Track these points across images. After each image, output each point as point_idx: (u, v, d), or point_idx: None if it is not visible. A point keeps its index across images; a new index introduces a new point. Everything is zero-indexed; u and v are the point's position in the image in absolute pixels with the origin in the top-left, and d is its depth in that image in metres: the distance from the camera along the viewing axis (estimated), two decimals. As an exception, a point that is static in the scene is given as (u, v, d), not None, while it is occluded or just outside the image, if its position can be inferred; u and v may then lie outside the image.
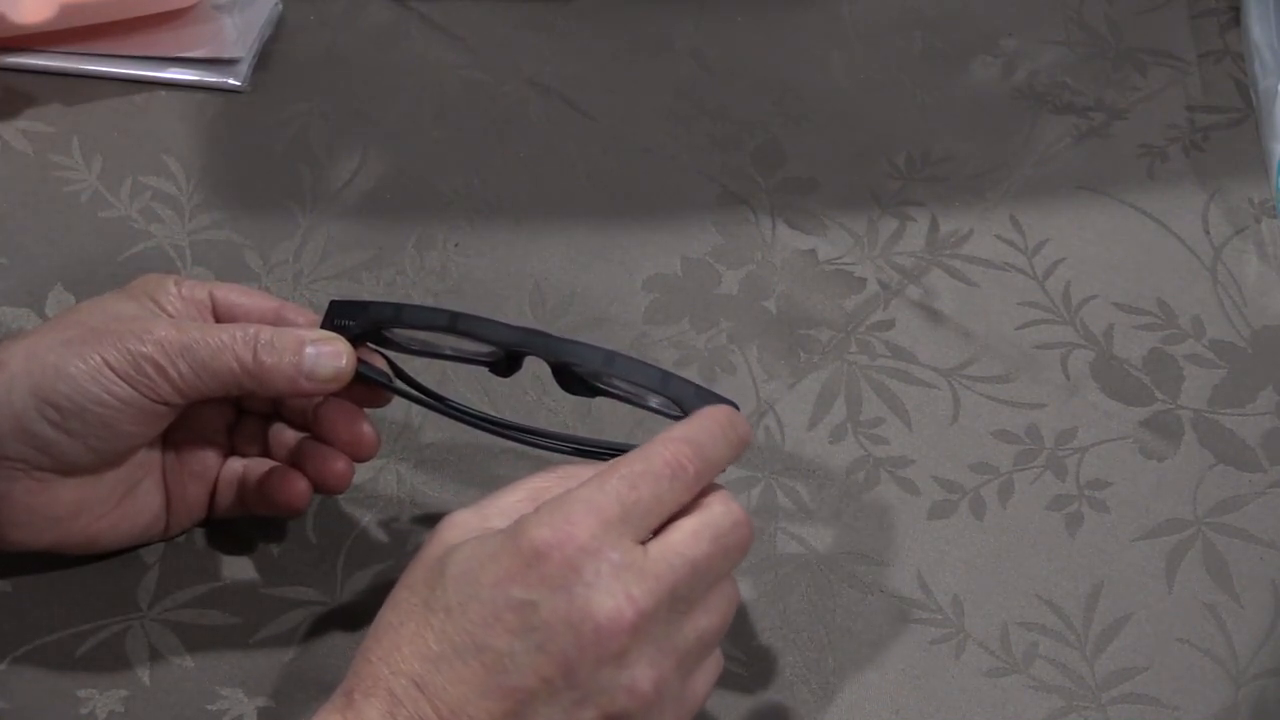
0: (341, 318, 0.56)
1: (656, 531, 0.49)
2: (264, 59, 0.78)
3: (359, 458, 0.57)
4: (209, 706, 0.56)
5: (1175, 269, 0.71)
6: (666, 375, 0.53)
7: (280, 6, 0.80)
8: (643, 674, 0.46)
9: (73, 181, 0.72)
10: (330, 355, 0.54)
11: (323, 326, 0.56)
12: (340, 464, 0.57)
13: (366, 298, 0.68)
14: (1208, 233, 0.73)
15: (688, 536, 0.48)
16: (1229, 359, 0.68)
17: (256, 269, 0.69)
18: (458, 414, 0.58)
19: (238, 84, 0.76)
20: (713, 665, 0.50)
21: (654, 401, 0.54)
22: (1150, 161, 0.76)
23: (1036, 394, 0.67)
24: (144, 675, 0.57)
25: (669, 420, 0.53)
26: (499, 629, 0.46)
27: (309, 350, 0.54)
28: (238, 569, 0.60)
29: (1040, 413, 0.66)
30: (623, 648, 0.46)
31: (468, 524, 0.49)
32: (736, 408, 0.52)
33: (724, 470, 0.50)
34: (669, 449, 0.49)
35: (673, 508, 0.49)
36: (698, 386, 0.53)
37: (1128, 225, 0.73)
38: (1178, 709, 0.58)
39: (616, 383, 0.55)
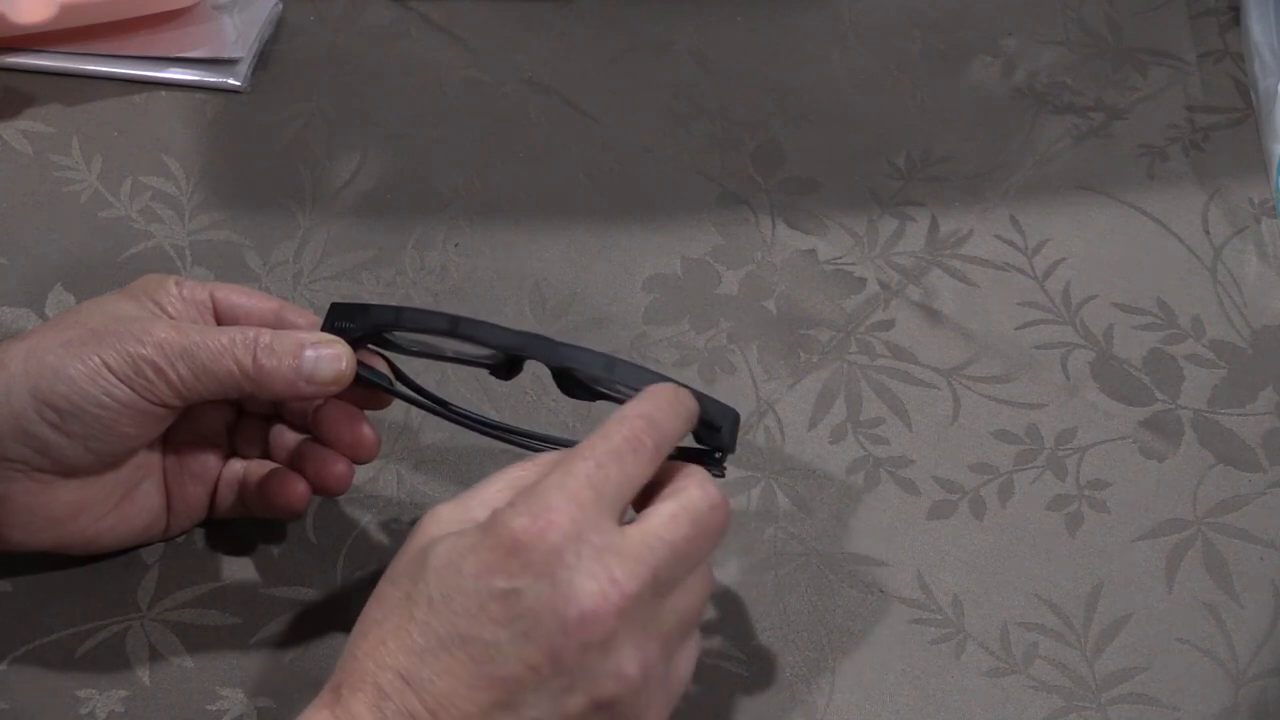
0: (342, 320, 0.56)
1: (636, 509, 0.49)
2: (264, 59, 0.78)
3: (359, 459, 0.57)
4: (209, 706, 0.56)
5: (1175, 269, 0.71)
6: (667, 381, 0.53)
7: (280, 6, 0.80)
8: (629, 658, 0.46)
9: (73, 181, 0.72)
10: (330, 359, 0.54)
11: (323, 329, 0.56)
12: (340, 466, 0.57)
13: (367, 298, 0.68)
14: (1208, 233, 0.73)
15: (666, 520, 0.48)
16: (1229, 359, 0.68)
17: (256, 269, 0.69)
18: (457, 417, 0.58)
19: (238, 84, 0.76)
20: (693, 646, 0.51)
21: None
22: (1150, 161, 0.76)
23: (1036, 394, 0.67)
24: (144, 675, 0.57)
25: None
26: (484, 619, 0.45)
27: (308, 354, 0.54)
28: (238, 569, 0.60)
29: (1040, 413, 0.66)
30: (609, 632, 0.46)
31: (449, 517, 0.49)
32: (738, 415, 0.53)
33: (678, 441, 0.50)
34: (625, 426, 0.49)
35: (640, 482, 0.49)
36: (698, 392, 0.53)
37: (1128, 225, 0.73)
38: (1178, 709, 0.58)
39: (617, 388, 0.55)
